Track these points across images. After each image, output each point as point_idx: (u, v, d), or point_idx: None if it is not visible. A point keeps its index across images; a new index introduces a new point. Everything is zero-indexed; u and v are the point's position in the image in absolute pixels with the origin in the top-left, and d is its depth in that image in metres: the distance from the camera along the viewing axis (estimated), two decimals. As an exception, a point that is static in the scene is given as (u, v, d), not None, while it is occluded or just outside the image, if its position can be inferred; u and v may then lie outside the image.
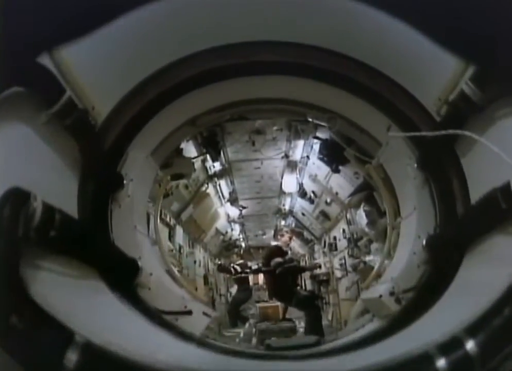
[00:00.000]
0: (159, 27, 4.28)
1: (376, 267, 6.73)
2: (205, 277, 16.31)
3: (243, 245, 24.62)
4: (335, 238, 14.59)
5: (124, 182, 4.99)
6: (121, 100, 4.66)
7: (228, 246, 22.02)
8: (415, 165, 5.24)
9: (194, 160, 9.72)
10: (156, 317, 4.54)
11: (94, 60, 4.07)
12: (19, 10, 3.22)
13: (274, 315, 15.31)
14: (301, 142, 10.66)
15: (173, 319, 4.89)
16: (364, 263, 10.26)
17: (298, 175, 12.60)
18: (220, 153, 10.74)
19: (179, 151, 7.76)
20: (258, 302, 19.26)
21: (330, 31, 4.61)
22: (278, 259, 10.71)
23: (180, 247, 12.62)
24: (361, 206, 10.12)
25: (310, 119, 6.38)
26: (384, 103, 5.25)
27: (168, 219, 11.29)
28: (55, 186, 3.95)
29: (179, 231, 12.64)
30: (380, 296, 4.99)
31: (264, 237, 24.13)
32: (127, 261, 4.76)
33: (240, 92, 5.72)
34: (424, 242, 5.05)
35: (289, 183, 12.79)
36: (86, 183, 4.37)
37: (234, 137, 10.18)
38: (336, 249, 14.44)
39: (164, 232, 10.05)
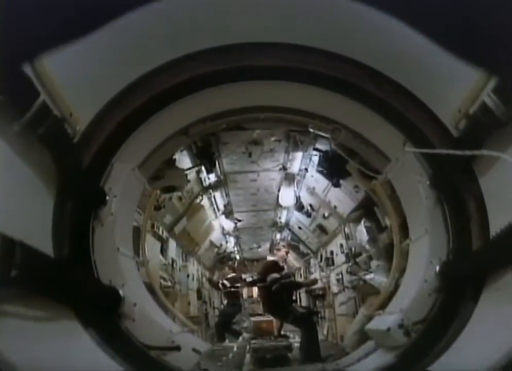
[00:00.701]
0: (146, 29, 3.91)
1: (382, 292, 6.32)
2: (199, 291, 16.03)
3: (237, 257, 24.32)
4: (332, 252, 14.29)
5: (107, 198, 4.56)
6: (104, 107, 4.31)
7: (223, 259, 21.75)
8: (428, 183, 4.89)
9: (188, 172, 9.42)
10: (140, 355, 4.13)
11: (74, 65, 3.68)
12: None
13: (268, 329, 14.37)
14: (299, 154, 10.26)
15: (160, 354, 4.47)
16: (364, 281, 9.83)
17: (296, 189, 12.21)
18: (215, 165, 10.36)
19: (171, 162, 7.37)
20: (252, 315, 18.91)
21: (337, 34, 4.26)
22: (275, 275, 10.19)
23: (173, 261, 12.21)
24: (362, 222, 9.79)
25: (311, 130, 5.94)
26: (395, 115, 4.92)
27: (160, 232, 10.84)
28: (27, 206, 3.56)
29: (172, 244, 12.27)
30: (389, 329, 4.63)
31: (259, 250, 23.86)
32: (107, 292, 4.34)
33: (236, 99, 5.37)
34: (437, 269, 4.69)
35: (287, 196, 12.39)
36: (63, 201, 3.97)
37: (230, 148, 9.79)
38: (333, 264, 14.10)
39: (156, 246, 9.64)
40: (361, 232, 9.86)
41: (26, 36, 3.13)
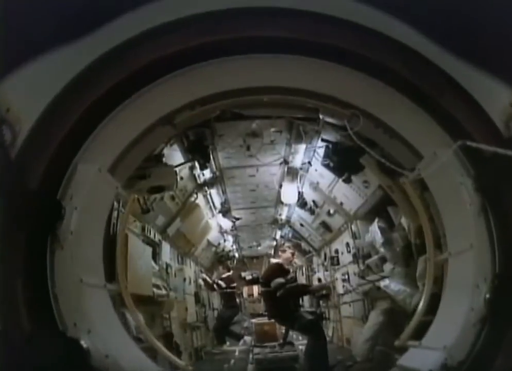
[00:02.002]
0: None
1: (414, 316, 5.32)
2: (196, 295, 15.20)
3: (236, 255, 23.63)
4: (337, 251, 13.68)
5: (64, 211, 3.63)
6: (58, 95, 3.38)
7: (221, 258, 20.95)
8: (473, 186, 4.20)
9: (178, 168, 8.64)
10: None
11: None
12: None
13: (271, 333, 14.43)
14: (302, 147, 9.36)
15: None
16: (378, 288, 8.97)
17: (299, 184, 11.29)
18: (209, 160, 9.41)
19: (159, 159, 6.53)
20: (253, 315, 19.05)
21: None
22: (280, 280, 9.43)
23: (167, 266, 11.36)
24: (375, 222, 9.04)
25: (321, 116, 5.02)
26: (433, 104, 4.27)
27: (152, 236, 10.05)
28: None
29: (166, 247, 11.41)
30: (430, 371, 3.88)
31: (259, 248, 23.36)
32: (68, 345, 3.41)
33: (232, 78, 4.47)
34: (486, 296, 4.03)
35: (289, 193, 11.36)
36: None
37: (226, 141, 8.92)
38: (338, 263, 13.51)
39: (146, 252, 8.81)
40: (375, 232, 9.08)
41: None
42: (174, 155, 8.39)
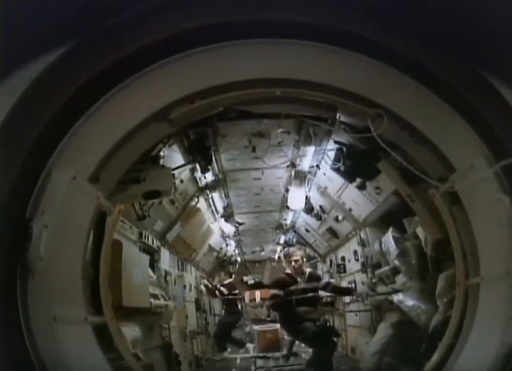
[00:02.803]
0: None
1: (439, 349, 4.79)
2: (197, 302, 14.77)
3: (239, 259, 23.28)
4: (343, 258, 13.29)
5: (32, 232, 3.05)
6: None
7: (223, 263, 20.67)
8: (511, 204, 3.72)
9: (177, 171, 8.10)
10: None
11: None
12: None
13: (274, 341, 14.18)
14: (311, 149, 8.81)
15: None
16: (391, 302, 8.39)
17: (307, 189, 10.76)
18: (211, 162, 8.79)
19: (155, 160, 6.03)
20: (254, 320, 18.63)
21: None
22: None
23: (166, 273, 10.88)
24: (390, 232, 8.51)
25: (338, 115, 4.49)
26: (469, 107, 3.80)
27: (150, 242, 9.55)
28: None
29: (165, 254, 10.92)
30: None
31: (262, 253, 23.07)
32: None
33: (236, 67, 3.92)
34: None
35: (296, 198, 10.74)
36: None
37: (230, 142, 8.35)
38: (345, 271, 13.13)
39: (142, 261, 8.25)
40: (389, 243, 8.57)
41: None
42: (174, 157, 7.91)
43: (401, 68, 3.79)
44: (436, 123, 4.17)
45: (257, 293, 22.31)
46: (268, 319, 18.83)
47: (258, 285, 19.28)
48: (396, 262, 8.30)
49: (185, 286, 12.59)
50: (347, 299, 12.84)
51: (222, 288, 16.53)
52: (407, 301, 7.73)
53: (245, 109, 4.93)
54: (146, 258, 8.54)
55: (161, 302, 9.19)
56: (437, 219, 5.26)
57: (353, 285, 12.04)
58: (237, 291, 17.33)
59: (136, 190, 5.63)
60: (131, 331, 6.88)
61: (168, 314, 9.41)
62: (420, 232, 7.30)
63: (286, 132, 8.11)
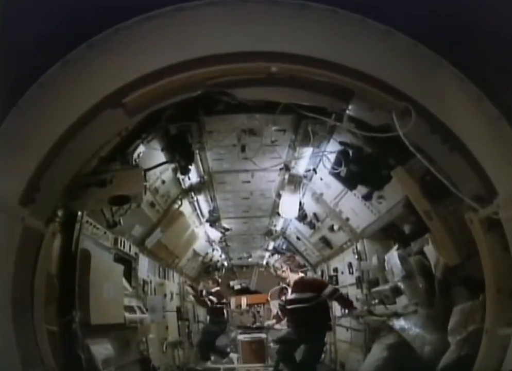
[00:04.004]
0: None
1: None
2: (179, 310, 13.89)
3: (225, 264, 22.82)
4: (336, 270, 12.60)
5: None
6: None
7: (208, 268, 20.03)
8: None
9: (159, 171, 7.64)
10: None
11: None
12: None
13: (258, 352, 14.57)
14: (308, 151, 7.98)
15: None
16: (390, 327, 7.70)
17: (301, 196, 9.89)
18: (191, 162, 7.90)
19: (125, 159, 5.18)
20: (240, 327, 18.28)
21: None
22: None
23: (144, 283, 10.04)
24: (394, 250, 7.79)
25: (351, 107, 3.63)
26: None
27: (127, 249, 8.66)
28: None
29: (143, 261, 10.06)
30: None
31: (249, 260, 22.63)
32: None
33: (213, 36, 3.10)
34: None
35: (289, 206, 9.78)
36: None
37: (217, 139, 7.54)
38: (337, 284, 12.23)
39: (114, 273, 7.42)
40: (394, 262, 7.71)
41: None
42: (154, 156, 7.06)
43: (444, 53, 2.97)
44: (481, 132, 3.62)
45: (243, 300, 21.63)
46: (254, 326, 18.20)
47: (245, 290, 18.98)
48: (401, 284, 7.51)
49: (165, 295, 11.84)
50: (337, 312, 12.14)
51: (212, 298, 16.04)
52: (410, 328, 7.00)
53: (229, 92, 3.96)
54: (119, 269, 7.71)
55: (138, 315, 8.38)
56: (456, 243, 4.99)
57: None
58: (224, 300, 17.05)
59: (100, 195, 4.91)
60: (102, 350, 6.27)
61: (143, 328, 8.60)
62: (429, 252, 6.53)
63: (281, 130, 7.35)
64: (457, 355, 5.38)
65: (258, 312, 22.13)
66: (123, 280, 8.13)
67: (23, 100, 3.02)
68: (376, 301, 8.76)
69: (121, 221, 7.33)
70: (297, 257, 15.82)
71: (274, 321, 13.41)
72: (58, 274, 4.99)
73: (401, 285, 7.48)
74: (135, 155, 5.70)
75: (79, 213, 5.51)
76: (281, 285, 14.10)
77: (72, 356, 5.16)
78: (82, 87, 3.19)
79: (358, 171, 6.95)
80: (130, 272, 8.98)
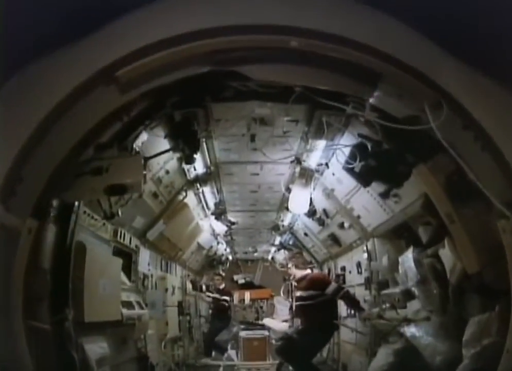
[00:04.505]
0: None
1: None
2: (180, 305, 13.49)
3: (230, 257, 22.38)
4: (343, 268, 12.27)
5: None
6: None
7: (212, 262, 19.54)
8: None
9: (163, 161, 7.29)
10: None
11: None
12: None
13: (260, 350, 14.19)
14: (321, 144, 7.53)
15: None
16: (399, 333, 7.33)
17: (312, 191, 9.44)
18: (196, 150, 7.36)
19: (122, 145, 4.88)
20: (242, 322, 18.11)
21: None
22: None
23: (144, 277, 9.59)
24: (410, 252, 7.29)
25: (376, 94, 3.23)
26: None
27: (128, 241, 8.23)
28: None
29: (144, 254, 9.61)
30: None
31: (255, 254, 22.44)
32: None
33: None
34: None
35: (299, 201, 9.32)
36: None
37: (225, 127, 7.11)
38: (344, 283, 11.94)
39: (111, 267, 6.98)
40: (408, 265, 7.29)
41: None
42: (158, 143, 6.67)
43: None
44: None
45: (247, 294, 21.41)
46: (257, 322, 18.01)
47: (249, 285, 19.03)
48: (415, 289, 7.16)
49: (167, 290, 11.50)
50: (343, 312, 11.72)
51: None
52: (422, 337, 6.62)
53: (237, 70, 3.53)
54: (118, 262, 7.27)
55: (136, 311, 7.95)
56: (477, 249, 4.70)
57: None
58: (228, 298, 17.33)
59: (95, 184, 4.51)
60: (97, 348, 5.91)
61: (141, 326, 8.17)
62: (445, 256, 6.12)
63: (293, 121, 6.94)
64: (471, 369, 5.08)
65: (261, 307, 21.94)
66: (122, 274, 7.73)
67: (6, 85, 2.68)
68: (388, 305, 8.36)
69: (119, 212, 6.87)
70: (304, 254, 15.66)
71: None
72: (51, 269, 4.67)
73: (415, 290, 7.16)
74: (136, 143, 5.31)
75: (76, 204, 5.13)
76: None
77: (66, 356, 4.83)
78: (71, 63, 2.81)
79: (375, 167, 6.53)
80: (129, 266, 8.60)
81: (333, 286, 9.89)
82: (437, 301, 6.46)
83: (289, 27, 2.73)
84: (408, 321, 7.17)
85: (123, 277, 7.93)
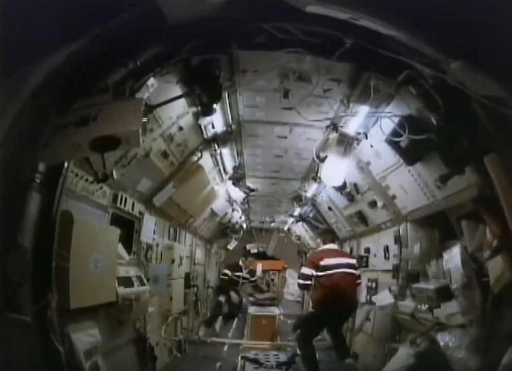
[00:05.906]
0: None
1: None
2: (187, 278, 12.70)
3: (244, 226, 21.53)
4: (367, 250, 11.42)
5: None
6: None
7: (225, 229, 18.72)
8: None
9: (176, 115, 6.48)
10: None
11: None
12: None
13: (268, 329, 13.36)
14: (363, 110, 6.51)
15: None
16: (432, 340, 6.70)
17: (349, 161, 8.28)
18: (217, 99, 6.34)
19: (118, 89, 3.92)
20: (251, 296, 17.16)
21: None
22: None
23: (148, 248, 8.63)
24: (457, 249, 6.71)
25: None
26: None
27: (130, 208, 7.32)
28: None
29: (149, 221, 8.60)
30: None
31: (272, 224, 21.93)
32: None
33: None
34: None
35: (334, 171, 8.17)
36: None
37: (252, 80, 6.18)
38: (367, 266, 11.15)
39: (110, 236, 6.18)
40: (454, 266, 6.69)
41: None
42: (170, 90, 5.66)
43: None
44: None
45: (259, 265, 20.77)
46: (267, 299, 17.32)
47: (262, 255, 18.61)
48: (459, 295, 6.48)
49: (173, 261, 10.64)
50: (362, 298, 10.86)
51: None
52: (455, 348, 6.07)
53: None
54: (115, 233, 6.38)
55: (135, 289, 7.07)
56: None
57: (373, 284, 10.41)
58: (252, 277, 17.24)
59: (78, 138, 3.48)
60: (86, 337, 5.30)
61: (140, 306, 7.33)
62: (493, 261, 5.55)
63: (335, 80, 6.08)
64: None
65: (273, 280, 21.34)
66: (120, 246, 6.85)
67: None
68: (424, 306, 7.50)
69: (115, 173, 5.86)
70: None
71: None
72: (33, 247, 4.05)
73: (458, 294, 6.50)
74: (139, 87, 4.23)
75: (65, 165, 4.30)
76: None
77: (50, 349, 4.29)
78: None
79: (428, 144, 5.77)
80: (131, 236, 7.77)
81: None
82: (478, 310, 5.97)
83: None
84: (439, 325, 6.72)
85: (122, 251, 7.05)
